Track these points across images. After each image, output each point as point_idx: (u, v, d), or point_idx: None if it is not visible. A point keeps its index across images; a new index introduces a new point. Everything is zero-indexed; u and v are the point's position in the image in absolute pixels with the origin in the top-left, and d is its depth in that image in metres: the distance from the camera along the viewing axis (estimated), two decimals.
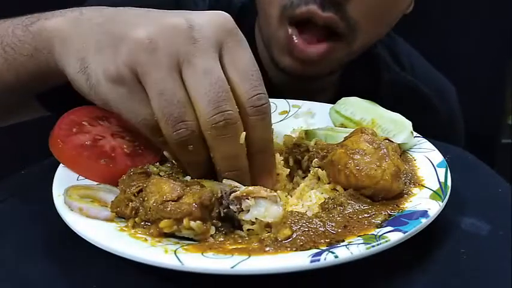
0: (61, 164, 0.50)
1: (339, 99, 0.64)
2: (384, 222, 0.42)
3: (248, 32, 0.47)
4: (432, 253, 0.44)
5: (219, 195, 0.43)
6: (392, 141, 0.52)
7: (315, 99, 0.71)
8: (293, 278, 0.38)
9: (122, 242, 0.39)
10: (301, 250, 0.38)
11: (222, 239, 0.42)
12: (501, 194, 0.55)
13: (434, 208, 0.43)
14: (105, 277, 0.42)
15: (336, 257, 0.37)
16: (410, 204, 0.45)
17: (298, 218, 0.42)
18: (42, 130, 0.53)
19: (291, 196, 0.50)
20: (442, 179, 0.48)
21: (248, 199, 0.43)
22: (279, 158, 0.52)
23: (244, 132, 0.45)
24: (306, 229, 0.41)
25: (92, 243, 0.39)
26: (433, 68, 0.99)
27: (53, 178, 0.48)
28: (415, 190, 0.47)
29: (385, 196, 0.46)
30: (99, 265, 0.42)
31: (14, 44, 0.56)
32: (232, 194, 0.43)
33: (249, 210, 0.43)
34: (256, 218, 0.42)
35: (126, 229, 0.42)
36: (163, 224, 0.41)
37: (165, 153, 0.51)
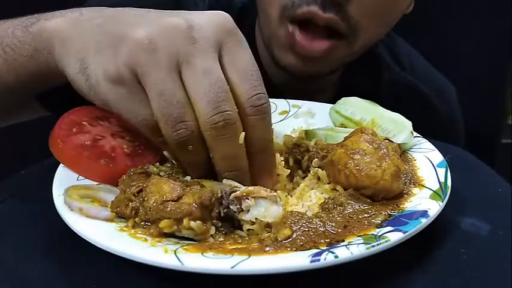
0: (61, 164, 0.50)
1: (339, 99, 0.64)
2: (384, 222, 0.42)
3: (248, 32, 0.47)
4: (432, 253, 0.44)
5: (219, 195, 0.43)
6: (392, 141, 0.52)
7: (315, 99, 0.71)
8: (293, 278, 0.38)
9: (122, 242, 0.39)
10: (301, 250, 0.38)
11: (222, 239, 0.42)
12: (501, 194, 0.55)
13: (434, 208, 0.43)
14: (105, 277, 0.42)
15: (336, 257, 0.37)
16: (410, 204, 0.45)
17: (298, 218, 0.42)
18: (42, 130, 0.53)
19: (291, 196, 0.50)
20: (442, 179, 0.48)
21: (248, 199, 0.43)
22: (279, 159, 0.52)
23: (244, 133, 0.45)
24: (306, 229, 0.41)
25: (92, 243, 0.39)
26: (433, 68, 0.99)
27: (53, 178, 0.48)
28: (415, 190, 0.47)
29: (385, 196, 0.46)
30: (99, 265, 0.42)
31: (13, 44, 0.56)
32: (232, 194, 0.43)
33: (249, 210, 0.43)
34: (256, 218, 0.42)
35: (126, 229, 0.42)
36: (163, 224, 0.41)
37: (165, 153, 0.51)
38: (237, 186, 0.45)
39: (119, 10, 0.50)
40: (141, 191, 0.44)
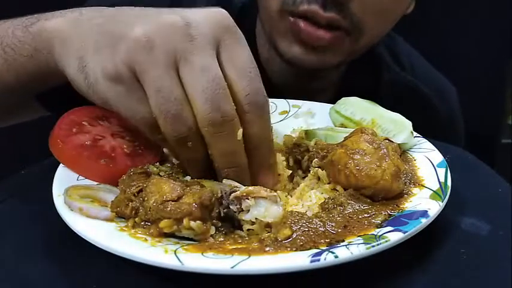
0: (61, 164, 0.50)
1: (339, 99, 0.64)
2: (384, 222, 0.42)
3: (249, 31, 0.47)
4: (432, 253, 0.44)
5: (219, 195, 0.43)
6: (392, 141, 0.52)
7: (315, 99, 0.70)
8: (293, 278, 0.38)
9: (122, 242, 0.39)
10: (301, 250, 0.38)
11: (222, 239, 0.42)
12: (501, 194, 0.55)
13: (434, 208, 0.43)
14: (105, 277, 0.42)
15: (336, 257, 0.37)
16: (410, 204, 0.45)
17: (298, 218, 0.42)
18: (42, 130, 0.53)
19: (291, 196, 0.50)
20: (442, 179, 0.48)
21: (248, 199, 0.43)
22: (281, 159, 0.52)
23: (241, 129, 0.45)
24: (306, 229, 0.41)
25: (92, 243, 0.39)
26: (433, 68, 0.99)
27: (53, 178, 0.48)
28: (415, 190, 0.47)
29: (385, 196, 0.46)
30: (99, 265, 0.42)
31: (13, 44, 0.56)
32: (232, 194, 0.43)
33: (249, 210, 0.43)
34: (256, 218, 0.42)
35: (126, 229, 0.42)
36: (163, 224, 0.41)
37: (165, 150, 0.51)
38: (237, 186, 0.45)
39: (119, 10, 0.50)
40: (141, 191, 0.44)
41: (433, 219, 0.42)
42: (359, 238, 0.39)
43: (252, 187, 0.43)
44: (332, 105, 0.65)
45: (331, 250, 0.37)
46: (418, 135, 0.58)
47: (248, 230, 0.43)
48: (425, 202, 0.44)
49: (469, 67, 1.24)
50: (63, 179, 0.48)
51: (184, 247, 0.39)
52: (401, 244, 0.39)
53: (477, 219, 0.49)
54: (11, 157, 1.17)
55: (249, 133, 0.46)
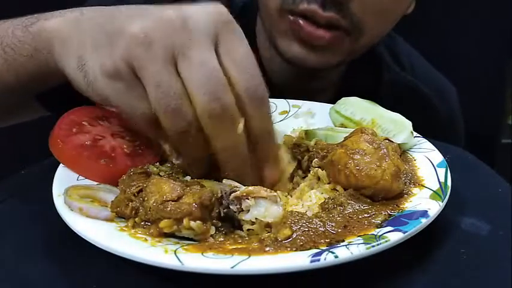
0: (61, 164, 0.50)
1: (339, 99, 0.64)
2: (384, 222, 0.42)
3: (249, 31, 0.47)
4: (432, 253, 0.44)
5: (219, 195, 0.43)
6: (392, 141, 0.52)
7: (315, 99, 0.70)
8: (293, 278, 0.38)
9: (122, 242, 0.39)
10: (301, 250, 0.38)
11: (222, 239, 0.42)
12: (501, 194, 0.55)
13: (434, 208, 0.43)
14: (105, 277, 0.42)
15: (336, 257, 0.37)
16: (410, 204, 0.45)
17: (298, 218, 0.42)
18: (42, 130, 0.53)
19: (291, 196, 0.50)
20: (442, 179, 0.48)
21: (248, 199, 0.43)
22: (284, 154, 0.51)
23: (243, 119, 0.44)
24: (306, 229, 0.41)
25: (92, 243, 0.39)
26: (433, 68, 0.99)
27: (53, 178, 0.48)
28: (415, 190, 0.47)
29: (385, 196, 0.46)
30: (99, 265, 0.42)
31: (13, 44, 0.56)
32: (232, 194, 0.43)
33: (249, 210, 0.43)
34: (256, 218, 0.42)
35: (126, 229, 0.42)
36: (163, 224, 0.41)
37: (166, 149, 0.51)
38: (237, 186, 0.45)
39: (118, 8, 0.50)
40: (141, 191, 0.44)
41: (433, 219, 0.42)
42: (359, 238, 0.39)
43: (252, 187, 0.43)
44: (332, 105, 0.65)
45: (331, 250, 0.37)
46: (418, 135, 0.58)
47: (248, 230, 0.43)
48: (425, 202, 0.44)
49: (469, 67, 1.24)
50: (63, 179, 0.48)
51: (184, 247, 0.39)
52: (401, 244, 0.39)
53: (477, 219, 0.49)
54: (11, 157, 1.17)
55: (251, 126, 0.45)
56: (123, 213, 0.44)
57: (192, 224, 0.40)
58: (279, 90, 0.78)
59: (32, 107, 0.70)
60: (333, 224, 0.42)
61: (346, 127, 0.61)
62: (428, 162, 0.52)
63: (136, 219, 0.43)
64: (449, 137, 0.88)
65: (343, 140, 0.50)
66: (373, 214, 0.44)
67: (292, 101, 0.69)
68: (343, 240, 0.39)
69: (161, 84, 0.43)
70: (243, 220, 0.43)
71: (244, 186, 0.45)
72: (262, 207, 0.43)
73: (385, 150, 0.46)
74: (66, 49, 0.50)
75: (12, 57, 0.57)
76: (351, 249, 0.37)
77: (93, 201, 0.45)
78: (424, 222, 0.41)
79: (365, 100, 0.63)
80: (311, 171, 0.50)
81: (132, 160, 0.51)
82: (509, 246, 0.45)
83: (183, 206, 0.41)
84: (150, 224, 0.42)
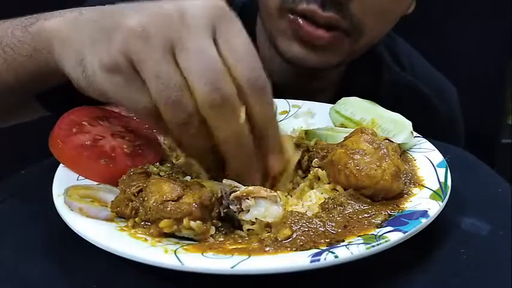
0: (61, 164, 0.50)
1: (339, 99, 0.64)
2: (384, 222, 0.42)
3: (249, 31, 0.46)
4: (432, 253, 0.44)
5: (219, 195, 0.43)
6: (392, 141, 0.52)
7: (315, 99, 0.70)
8: (293, 278, 0.38)
9: (122, 242, 0.39)
10: (301, 250, 0.38)
11: (222, 239, 0.42)
12: (501, 194, 0.55)
13: (434, 208, 0.43)
14: (105, 277, 0.42)
15: (336, 257, 0.37)
16: (410, 204, 0.45)
17: (298, 218, 0.42)
18: (42, 130, 0.53)
19: (291, 196, 0.50)
20: (442, 179, 0.48)
21: (248, 199, 0.43)
22: (290, 146, 0.51)
23: (244, 107, 0.44)
24: (306, 229, 0.41)
25: (92, 243, 0.39)
26: (433, 68, 0.99)
27: (53, 178, 0.48)
28: (415, 190, 0.47)
29: (385, 196, 0.46)
30: (99, 265, 0.42)
31: (13, 44, 0.57)
32: (232, 194, 0.43)
33: (249, 210, 0.43)
34: (256, 218, 0.42)
35: (126, 229, 0.42)
36: (163, 224, 0.41)
37: (166, 146, 0.51)
38: (237, 186, 0.45)
39: (117, 5, 0.50)
40: (141, 191, 0.44)
41: (433, 219, 0.42)
42: (359, 238, 0.39)
43: (252, 187, 0.43)
44: (332, 105, 0.65)
45: (331, 250, 0.37)
46: (418, 135, 0.58)
47: (248, 230, 0.43)
48: (425, 202, 0.44)
49: (469, 67, 1.24)
50: (63, 179, 0.48)
51: (184, 247, 0.39)
52: (401, 244, 0.39)
53: (477, 219, 0.49)
54: (11, 157, 1.17)
55: (253, 116, 0.45)
56: (123, 213, 0.44)
57: (192, 224, 0.40)
58: (279, 90, 0.78)
59: (32, 107, 0.70)
60: (333, 224, 0.42)
61: (346, 127, 0.61)
62: (428, 162, 0.52)
63: (136, 219, 0.43)
64: (449, 137, 0.88)
65: (343, 140, 0.50)
66: (373, 214, 0.44)
67: (292, 101, 0.69)
68: (343, 240, 0.39)
69: (161, 76, 0.42)
70: (243, 220, 0.43)
71: (247, 183, 0.45)
72: (262, 207, 0.42)
73: (385, 150, 0.46)
74: (66, 48, 0.50)
75: (12, 57, 0.57)
76: (351, 249, 0.37)
77: (93, 201, 0.45)
78: (424, 222, 0.41)
79: (365, 100, 0.63)
80: (311, 171, 0.50)
81: (132, 160, 0.51)
82: (509, 246, 0.45)
83: (183, 206, 0.41)
84: (150, 224, 0.42)
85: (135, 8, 0.47)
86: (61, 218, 0.42)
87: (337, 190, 0.47)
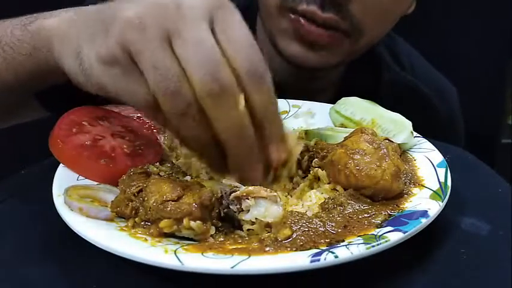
0: (61, 164, 0.50)
1: (339, 99, 0.64)
2: (384, 222, 0.42)
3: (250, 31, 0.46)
4: (432, 253, 0.44)
5: (219, 195, 0.43)
6: (392, 141, 0.52)
7: (315, 99, 0.70)
8: (293, 278, 0.38)
9: (122, 242, 0.39)
10: (301, 250, 0.38)
11: (222, 239, 0.42)
12: (501, 194, 0.55)
13: (434, 208, 0.43)
14: (105, 277, 0.42)
15: (336, 257, 0.37)
16: (410, 204, 0.45)
17: (298, 218, 0.42)
18: (42, 130, 0.53)
19: (291, 196, 0.50)
20: (442, 179, 0.48)
21: (248, 199, 0.43)
22: (293, 137, 0.50)
23: (242, 95, 0.43)
24: (306, 229, 0.41)
25: (92, 243, 0.39)
26: (433, 68, 0.99)
27: (53, 178, 0.48)
28: (415, 190, 0.47)
29: (385, 196, 0.46)
30: (99, 265, 0.42)
31: (12, 43, 0.57)
32: (232, 194, 0.43)
33: (249, 210, 0.43)
34: (256, 218, 0.42)
35: (126, 229, 0.42)
36: (163, 224, 0.41)
37: (166, 147, 0.50)
38: (237, 186, 0.45)
39: (116, 1, 0.50)
40: (141, 191, 0.44)
41: (433, 219, 0.42)
42: (359, 238, 0.39)
43: (252, 187, 0.43)
44: (332, 105, 0.65)
45: (331, 250, 0.37)
46: (418, 135, 0.58)
47: (248, 230, 0.43)
48: (425, 202, 0.44)
49: (469, 67, 1.24)
50: (63, 179, 0.48)
51: (184, 247, 0.39)
52: (401, 244, 0.39)
53: (477, 219, 0.49)
54: (11, 157, 1.17)
55: (253, 105, 0.44)
56: (123, 213, 0.44)
57: (192, 224, 0.40)
58: (279, 90, 0.78)
59: (32, 107, 0.70)
60: (333, 224, 0.42)
61: (346, 127, 0.61)
62: (428, 162, 0.52)
63: (136, 219, 0.43)
64: (449, 137, 0.88)
65: (343, 140, 0.50)
66: (373, 214, 0.44)
67: (292, 101, 0.69)
68: (343, 240, 0.39)
69: (159, 67, 0.42)
70: (243, 220, 0.43)
71: (249, 175, 0.44)
72: (262, 207, 0.42)
73: (385, 150, 0.46)
74: (65, 45, 0.50)
75: (11, 56, 0.57)
76: (351, 249, 0.37)
77: (93, 201, 0.45)
78: (424, 222, 0.41)
79: (365, 100, 0.63)
80: (311, 171, 0.50)
81: (132, 160, 0.51)
82: (509, 246, 0.45)
83: (183, 206, 0.41)
84: (150, 224, 0.42)
85: (132, 0, 0.47)
86: (61, 218, 0.42)
87: (337, 190, 0.47)
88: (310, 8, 0.69)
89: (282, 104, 0.69)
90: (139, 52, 0.42)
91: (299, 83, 0.84)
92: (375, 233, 0.40)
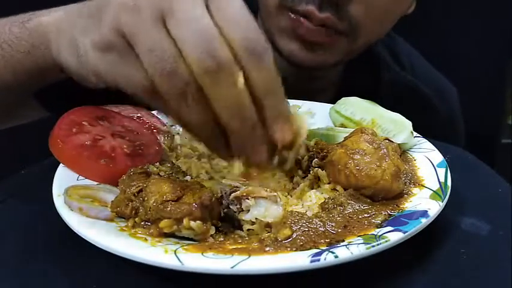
0: (61, 164, 0.50)
1: (339, 99, 0.64)
2: (384, 222, 0.42)
3: None
4: (432, 253, 0.44)
5: (219, 195, 0.43)
6: (392, 141, 0.52)
7: (315, 99, 0.70)
8: (293, 278, 0.38)
9: (122, 242, 0.39)
10: (301, 250, 0.38)
11: (222, 239, 0.42)
12: (501, 194, 0.55)
13: (434, 208, 0.43)
14: (105, 277, 0.42)
15: (336, 257, 0.37)
16: (410, 204, 0.45)
17: (298, 218, 0.42)
18: (42, 130, 0.53)
19: (291, 196, 0.50)
20: (442, 179, 0.48)
21: (248, 199, 0.43)
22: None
23: (241, 72, 0.41)
24: (306, 229, 0.41)
25: (92, 243, 0.39)
26: (433, 68, 0.99)
27: (53, 178, 0.48)
28: (415, 190, 0.47)
29: (385, 196, 0.46)
30: (99, 265, 0.42)
31: (11, 41, 0.57)
32: (232, 194, 0.43)
33: (249, 210, 0.43)
34: (256, 218, 0.42)
35: (126, 229, 0.42)
36: (163, 224, 0.41)
37: (166, 142, 0.50)
38: (237, 186, 0.45)
39: None
40: (141, 191, 0.44)
41: (433, 219, 0.42)
42: (359, 238, 0.39)
43: (252, 187, 0.43)
44: (332, 105, 0.65)
45: (331, 250, 0.37)
46: (418, 135, 0.58)
47: (248, 230, 0.43)
48: (425, 202, 0.44)
49: (469, 67, 1.24)
50: (63, 179, 0.48)
51: (184, 247, 0.39)
52: (401, 244, 0.39)
53: (477, 219, 0.49)
54: (11, 157, 1.17)
55: (253, 82, 0.42)
56: (123, 213, 0.43)
57: (192, 224, 0.40)
58: None
59: (31, 106, 0.70)
60: (333, 224, 0.42)
61: (346, 127, 0.61)
62: (428, 162, 0.52)
63: (136, 219, 0.43)
64: (449, 137, 0.88)
65: (343, 140, 0.50)
66: (373, 214, 0.44)
67: (292, 101, 0.69)
68: (343, 240, 0.39)
69: (155, 48, 0.41)
70: (243, 220, 0.43)
71: (253, 158, 0.43)
72: (262, 207, 0.42)
73: (385, 150, 0.46)
74: (61, 37, 0.50)
75: (10, 54, 0.57)
76: (351, 249, 0.37)
77: (93, 201, 0.45)
78: (424, 222, 0.41)
79: (365, 100, 0.63)
80: (311, 171, 0.50)
81: (132, 160, 0.51)
82: (509, 246, 0.45)
83: (183, 206, 0.41)
84: (150, 224, 0.42)
85: None
86: (61, 218, 0.42)
87: (337, 190, 0.47)
88: (309, 8, 0.69)
89: None
90: (134, 34, 0.42)
91: (299, 83, 0.84)
92: (375, 233, 0.40)
